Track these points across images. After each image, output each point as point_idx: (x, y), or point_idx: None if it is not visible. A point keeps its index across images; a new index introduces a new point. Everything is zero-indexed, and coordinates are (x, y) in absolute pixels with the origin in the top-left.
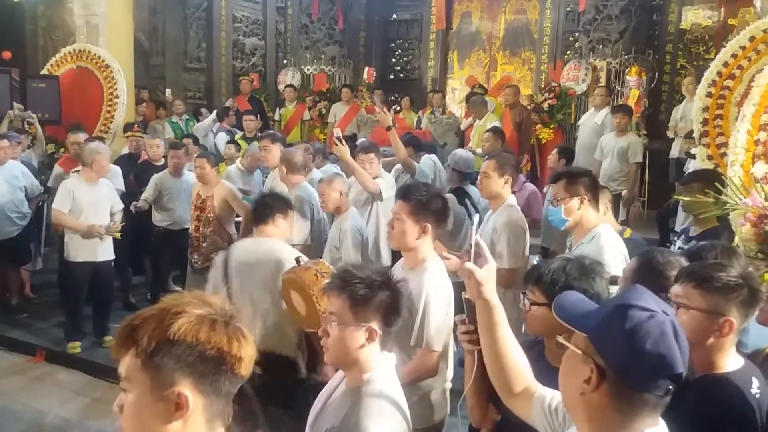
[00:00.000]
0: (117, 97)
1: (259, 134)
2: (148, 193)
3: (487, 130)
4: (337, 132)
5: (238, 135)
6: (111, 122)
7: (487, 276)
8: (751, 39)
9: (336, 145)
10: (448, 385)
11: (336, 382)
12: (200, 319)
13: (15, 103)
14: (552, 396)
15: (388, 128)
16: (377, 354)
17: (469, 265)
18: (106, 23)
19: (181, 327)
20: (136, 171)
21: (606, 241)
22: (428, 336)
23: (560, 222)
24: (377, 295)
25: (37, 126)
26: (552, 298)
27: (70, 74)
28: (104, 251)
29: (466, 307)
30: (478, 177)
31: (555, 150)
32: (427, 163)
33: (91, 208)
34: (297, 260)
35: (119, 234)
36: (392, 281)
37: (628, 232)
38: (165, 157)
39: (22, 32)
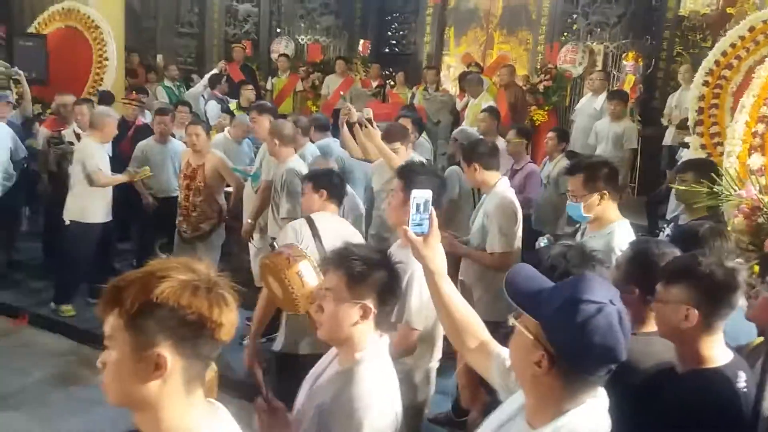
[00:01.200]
0: (106, 59)
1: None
2: (133, 165)
3: (482, 110)
4: (368, 113)
5: (233, 104)
6: (100, 84)
7: (428, 245)
8: (751, 29)
9: (366, 126)
10: (434, 365)
11: (328, 359)
12: (183, 284)
13: (0, 61)
14: (507, 357)
15: (353, 125)
16: (371, 333)
17: (410, 235)
18: None
19: (164, 291)
20: (132, 135)
21: (618, 241)
22: (409, 313)
23: (579, 217)
24: (374, 274)
25: (24, 84)
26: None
27: (58, 33)
28: (110, 213)
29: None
30: None
31: (553, 133)
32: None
33: (107, 170)
34: (271, 245)
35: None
36: (390, 261)
37: None
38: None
39: None
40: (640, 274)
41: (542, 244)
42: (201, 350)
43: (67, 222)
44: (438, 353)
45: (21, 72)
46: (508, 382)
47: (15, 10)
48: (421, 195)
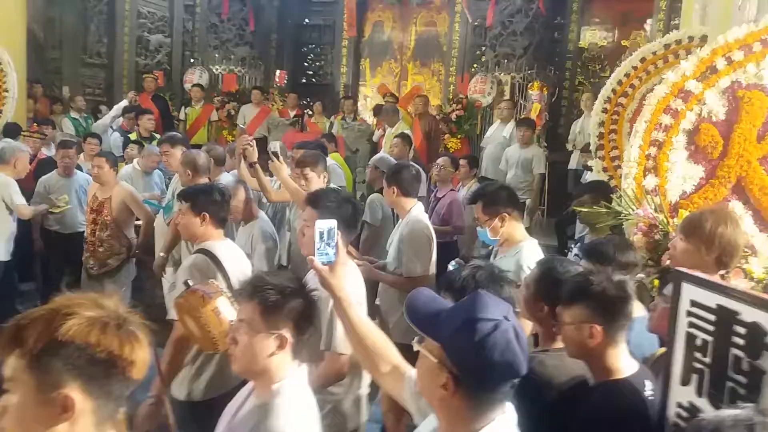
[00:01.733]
0: (6, 90)
1: (156, 134)
2: (35, 200)
3: (395, 136)
4: (275, 146)
5: (133, 134)
6: (0, 117)
7: (335, 273)
8: (642, 60)
9: (272, 161)
10: (364, 391)
11: (245, 394)
12: (91, 321)
13: None
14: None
15: (251, 165)
16: (288, 363)
17: (317, 264)
18: None
19: (70, 328)
20: (34, 168)
21: (525, 260)
22: (336, 339)
23: (490, 241)
24: (289, 302)
25: None
26: None
27: None
28: (9, 251)
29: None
30: None
31: (464, 161)
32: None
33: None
34: (185, 283)
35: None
36: (305, 289)
37: None
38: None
39: None
40: (549, 292)
41: (451, 267)
42: (112, 390)
43: None
44: (367, 379)
45: None
46: (420, 405)
47: None
48: (325, 224)
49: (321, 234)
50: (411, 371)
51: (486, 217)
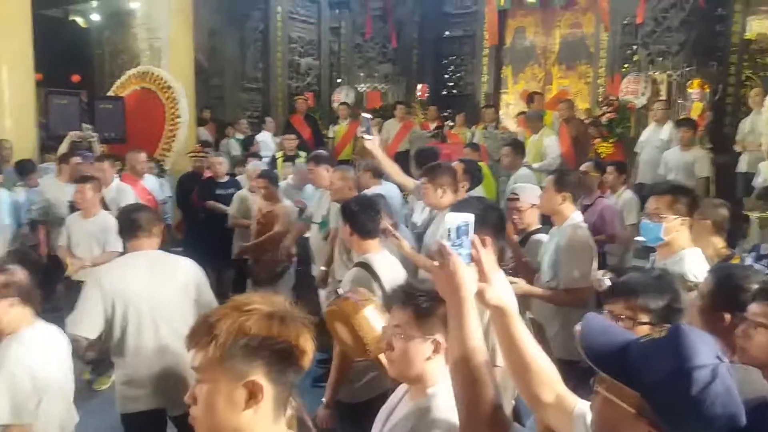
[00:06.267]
0: (179, 116)
1: (300, 153)
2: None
3: (505, 144)
4: (366, 117)
5: (279, 153)
6: (173, 141)
7: (489, 281)
8: None
9: (362, 137)
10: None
11: (398, 396)
12: (270, 315)
13: (84, 124)
14: (588, 414)
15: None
16: (442, 368)
17: (482, 285)
18: (168, 46)
19: (255, 322)
20: (199, 187)
21: (689, 268)
22: (495, 354)
23: (654, 240)
24: (441, 308)
25: (95, 146)
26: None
27: (134, 95)
28: None
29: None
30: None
31: (612, 167)
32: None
33: None
34: (336, 292)
35: None
36: None
37: (736, 259)
38: (229, 174)
39: (90, 56)
40: (729, 299)
41: (605, 280)
42: (288, 378)
43: None
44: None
45: (95, 134)
46: None
47: (96, 76)
48: (456, 219)
49: (449, 231)
50: (579, 405)
51: (668, 213)
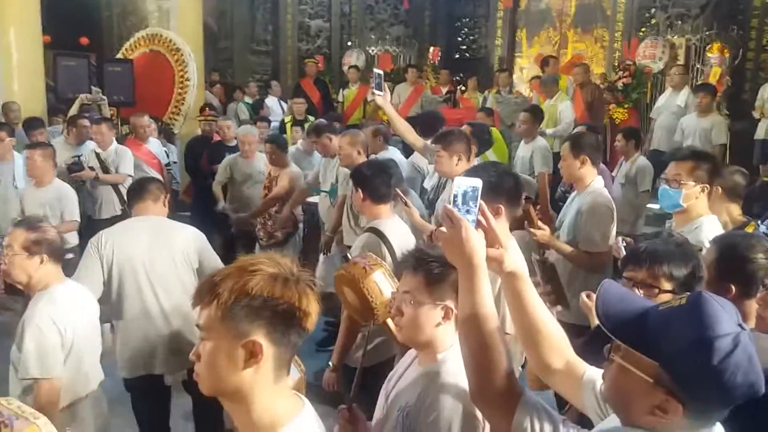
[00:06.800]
0: (188, 79)
1: (310, 117)
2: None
3: (524, 110)
4: (379, 72)
5: (288, 118)
6: (182, 104)
7: (503, 245)
8: None
9: (373, 93)
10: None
11: (408, 362)
12: (274, 276)
13: (93, 87)
14: (598, 381)
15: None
16: (452, 333)
17: (492, 251)
18: (177, 8)
19: (258, 283)
20: (209, 151)
21: (706, 236)
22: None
23: (672, 206)
24: (452, 274)
25: (105, 109)
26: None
27: (143, 58)
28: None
29: (539, 269)
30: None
31: (620, 134)
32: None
33: None
34: (345, 256)
35: None
36: None
37: (751, 227)
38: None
39: (98, 19)
40: (735, 270)
41: (622, 248)
42: (290, 339)
43: None
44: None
45: (104, 98)
46: (606, 410)
47: (104, 38)
48: (465, 183)
49: (456, 196)
50: (588, 372)
51: (689, 180)
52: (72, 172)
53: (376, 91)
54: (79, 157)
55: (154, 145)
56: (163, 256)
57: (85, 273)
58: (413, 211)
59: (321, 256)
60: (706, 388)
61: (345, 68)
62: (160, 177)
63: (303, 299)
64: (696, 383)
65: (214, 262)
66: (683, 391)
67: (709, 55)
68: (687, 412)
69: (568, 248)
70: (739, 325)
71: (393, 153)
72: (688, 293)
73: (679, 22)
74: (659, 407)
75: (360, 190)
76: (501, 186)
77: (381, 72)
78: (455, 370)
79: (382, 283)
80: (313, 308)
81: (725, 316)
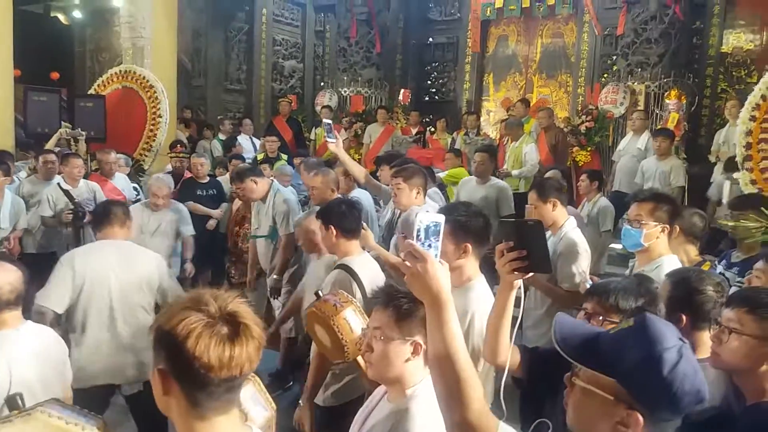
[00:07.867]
0: (160, 116)
1: (282, 155)
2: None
3: (479, 150)
4: (327, 123)
5: (260, 155)
6: (153, 141)
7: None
8: None
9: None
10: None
11: (377, 398)
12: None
13: (63, 122)
14: None
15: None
16: (421, 369)
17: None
18: (151, 45)
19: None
20: (180, 188)
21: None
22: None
23: (634, 245)
24: (421, 309)
25: (82, 144)
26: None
27: (115, 94)
28: None
29: (516, 232)
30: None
31: (584, 175)
32: None
33: None
34: (316, 294)
35: None
36: None
37: (707, 266)
38: (210, 175)
39: (71, 54)
40: (686, 301)
41: (588, 283)
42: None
43: None
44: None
45: (83, 133)
46: None
47: (76, 73)
48: (428, 219)
49: (419, 231)
50: (498, 423)
51: (649, 220)
52: (77, 219)
53: (329, 139)
54: (74, 200)
55: (120, 180)
56: (129, 277)
57: (55, 285)
58: (368, 234)
59: (274, 302)
60: (660, 398)
61: (318, 108)
62: None
63: None
64: (651, 394)
65: (174, 285)
66: (641, 404)
67: (667, 101)
68: (646, 424)
69: (552, 287)
70: (680, 339)
71: (361, 193)
72: (634, 317)
73: (639, 70)
74: (622, 423)
75: (332, 227)
76: (469, 225)
77: (329, 121)
78: (425, 407)
79: (353, 321)
80: None
81: (668, 332)
